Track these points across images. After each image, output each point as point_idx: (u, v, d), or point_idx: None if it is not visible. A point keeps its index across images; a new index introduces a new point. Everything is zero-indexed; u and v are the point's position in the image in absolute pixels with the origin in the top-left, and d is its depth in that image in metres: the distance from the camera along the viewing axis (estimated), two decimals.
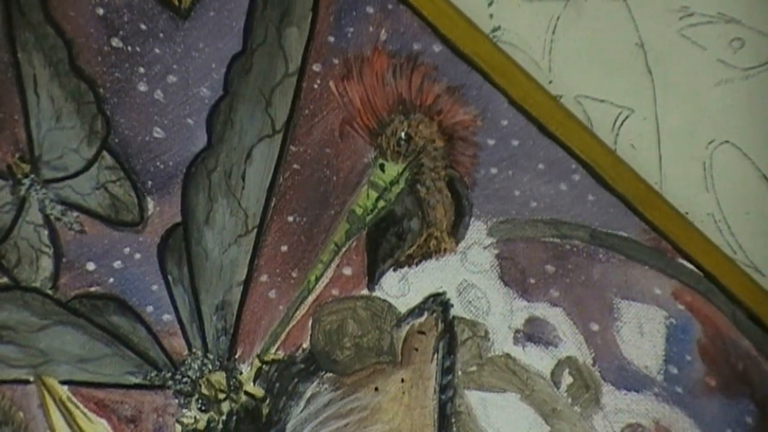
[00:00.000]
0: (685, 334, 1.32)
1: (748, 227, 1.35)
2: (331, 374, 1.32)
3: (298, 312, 1.32)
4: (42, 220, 1.31)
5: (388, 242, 1.32)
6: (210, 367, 1.32)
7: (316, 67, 1.31)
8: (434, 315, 1.32)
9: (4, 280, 1.32)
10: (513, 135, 1.32)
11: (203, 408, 1.32)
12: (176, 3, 1.30)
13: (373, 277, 1.32)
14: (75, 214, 1.31)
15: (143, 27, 1.30)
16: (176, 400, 1.32)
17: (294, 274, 1.32)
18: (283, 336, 1.32)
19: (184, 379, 1.32)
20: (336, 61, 1.31)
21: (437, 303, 1.32)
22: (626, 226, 1.32)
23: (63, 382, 1.32)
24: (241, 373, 1.32)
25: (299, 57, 1.31)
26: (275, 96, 1.31)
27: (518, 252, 1.32)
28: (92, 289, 1.32)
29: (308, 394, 1.32)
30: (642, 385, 1.31)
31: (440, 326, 1.32)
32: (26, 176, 1.31)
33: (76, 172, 1.31)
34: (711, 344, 1.32)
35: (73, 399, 1.32)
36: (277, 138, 1.32)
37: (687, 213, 1.33)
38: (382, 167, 1.32)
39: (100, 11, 1.30)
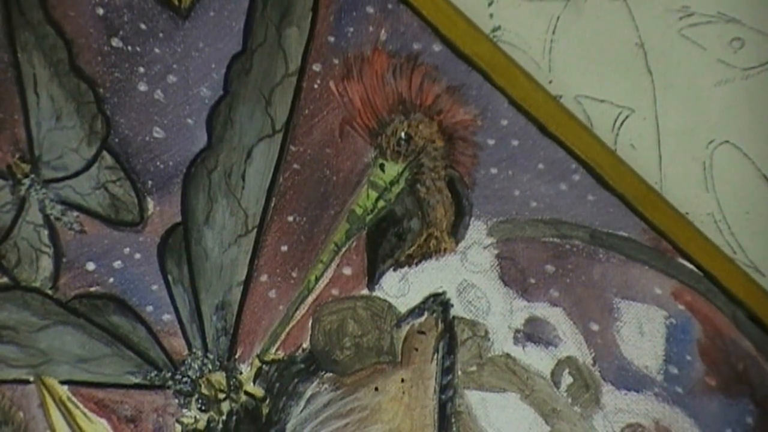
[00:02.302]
0: (685, 334, 1.32)
1: (748, 227, 1.34)
2: (331, 374, 1.32)
3: (298, 312, 1.32)
4: (42, 220, 1.31)
5: (388, 242, 1.32)
6: (210, 367, 1.32)
7: (316, 67, 1.31)
8: (434, 315, 1.32)
9: (5, 280, 1.32)
10: (513, 135, 1.32)
11: (203, 408, 1.32)
12: (176, 3, 1.30)
13: (373, 277, 1.32)
14: (75, 214, 1.32)
15: (143, 27, 1.30)
16: (176, 400, 1.32)
17: (294, 274, 1.32)
18: (283, 336, 1.32)
19: (184, 379, 1.32)
20: (336, 61, 1.31)
21: (437, 303, 1.32)
22: (626, 226, 1.32)
23: (63, 382, 1.32)
24: (241, 373, 1.32)
25: (299, 57, 1.31)
26: (275, 96, 1.31)
27: (518, 252, 1.32)
28: (92, 289, 1.32)
29: (308, 394, 1.32)
30: (642, 385, 1.31)
31: (440, 326, 1.32)
32: (26, 176, 1.31)
33: (76, 172, 1.31)
34: (711, 344, 1.32)
35: (73, 399, 1.32)
36: (277, 138, 1.32)
37: (687, 213, 1.33)
38: (382, 167, 1.32)
39: (100, 11, 1.30)
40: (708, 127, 1.34)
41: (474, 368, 1.32)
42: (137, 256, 1.32)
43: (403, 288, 1.32)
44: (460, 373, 1.32)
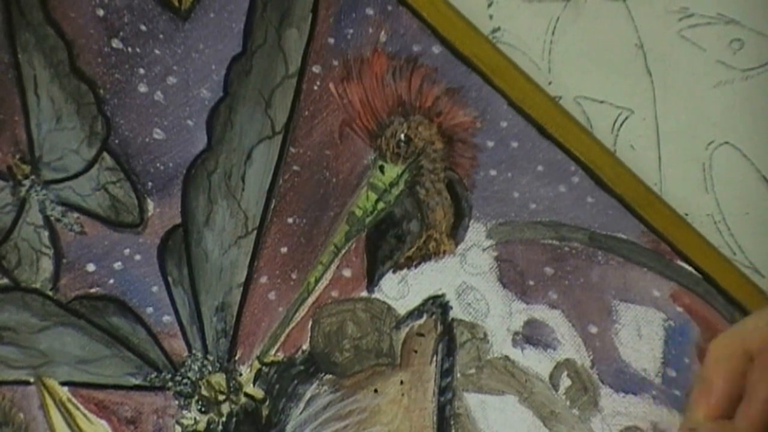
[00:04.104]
0: (684, 337, 1.32)
1: (747, 228, 1.34)
2: (330, 376, 1.32)
3: (297, 314, 1.32)
4: (42, 221, 1.32)
5: (387, 244, 1.32)
6: (210, 368, 1.33)
7: (316, 69, 1.31)
8: (433, 317, 1.32)
9: (5, 281, 1.32)
10: (512, 137, 1.32)
11: (203, 409, 1.32)
12: (176, 4, 1.30)
13: (372, 279, 1.32)
14: (75, 215, 1.32)
15: (143, 28, 1.30)
16: (176, 402, 1.33)
17: (294, 276, 1.32)
18: (282, 338, 1.33)
19: (184, 381, 1.32)
20: (336, 63, 1.31)
21: (436, 305, 1.32)
22: (625, 228, 1.32)
23: (63, 383, 1.32)
24: (240, 375, 1.33)
25: (299, 58, 1.31)
26: (275, 97, 1.31)
27: (517, 254, 1.32)
28: (92, 290, 1.32)
29: (308, 395, 1.32)
30: (640, 387, 1.31)
31: (439, 328, 1.32)
32: (26, 177, 1.31)
33: (76, 173, 1.32)
34: None
35: (74, 400, 1.32)
36: (277, 139, 1.32)
37: (686, 214, 1.33)
38: (381, 169, 1.32)
39: (101, 12, 1.30)
40: (707, 128, 1.34)
41: (473, 370, 1.32)
42: (137, 257, 1.32)
43: (402, 290, 1.33)
44: (459, 375, 1.32)
